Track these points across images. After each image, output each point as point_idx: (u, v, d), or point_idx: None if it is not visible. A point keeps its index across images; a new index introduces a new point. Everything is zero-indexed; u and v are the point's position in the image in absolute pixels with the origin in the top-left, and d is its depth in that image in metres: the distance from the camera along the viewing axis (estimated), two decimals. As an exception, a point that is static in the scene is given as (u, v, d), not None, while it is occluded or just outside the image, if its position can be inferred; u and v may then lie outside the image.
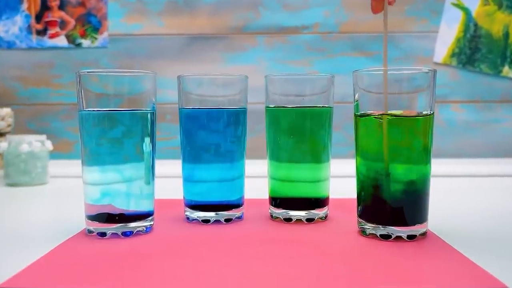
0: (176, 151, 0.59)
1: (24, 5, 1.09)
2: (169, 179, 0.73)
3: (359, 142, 0.48)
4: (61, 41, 1.10)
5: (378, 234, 0.46)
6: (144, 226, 0.49)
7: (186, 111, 0.54)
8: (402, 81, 0.46)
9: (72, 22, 1.09)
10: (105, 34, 1.09)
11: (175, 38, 1.10)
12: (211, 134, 0.52)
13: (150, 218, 0.50)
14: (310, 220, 0.53)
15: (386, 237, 0.46)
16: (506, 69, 1.08)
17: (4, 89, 1.11)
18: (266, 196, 0.57)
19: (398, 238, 0.45)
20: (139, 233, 0.48)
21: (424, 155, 0.46)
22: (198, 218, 0.53)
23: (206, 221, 0.53)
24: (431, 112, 0.46)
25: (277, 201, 0.55)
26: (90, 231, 0.48)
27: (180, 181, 0.56)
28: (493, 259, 0.40)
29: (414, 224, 0.46)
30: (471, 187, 0.82)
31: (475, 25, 1.07)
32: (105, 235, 0.47)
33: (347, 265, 0.39)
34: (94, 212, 0.47)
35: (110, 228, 0.47)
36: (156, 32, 1.10)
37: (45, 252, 0.42)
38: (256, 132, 0.96)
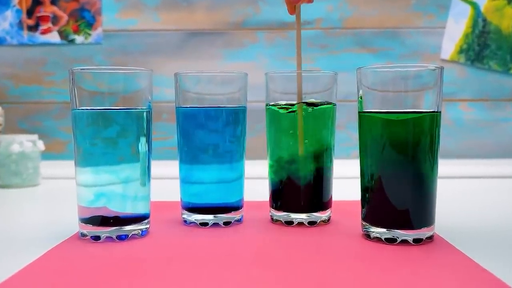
0: (173, 152, 0.59)
1: (15, 0, 1.09)
2: (166, 181, 0.73)
3: (364, 142, 0.48)
4: (54, 37, 1.10)
5: (383, 237, 0.46)
6: (140, 229, 0.49)
7: (183, 110, 0.54)
8: (408, 79, 0.46)
9: (64, 17, 1.09)
10: (99, 30, 1.09)
11: (172, 34, 1.10)
12: (209, 133, 0.52)
13: (146, 221, 0.50)
14: (312, 223, 0.53)
15: (391, 240, 0.46)
16: (516, 66, 1.08)
17: (-6, 87, 1.11)
18: (266, 198, 0.57)
19: (404, 241, 0.45)
20: (134, 236, 0.48)
21: (431, 155, 0.46)
22: (195, 221, 0.53)
23: (204, 224, 0.53)
24: (438, 111, 0.46)
25: (278, 203, 0.55)
26: (83, 235, 0.48)
27: (177, 183, 0.56)
28: (503, 263, 0.40)
29: (420, 227, 0.46)
30: (479, 189, 0.82)
31: (484, 20, 1.07)
32: (99, 239, 0.47)
33: (350, 270, 0.39)
34: (87, 214, 0.47)
35: (104, 231, 0.47)
36: (152, 28, 1.10)
37: (36, 256, 0.42)
38: (256, 132, 0.96)
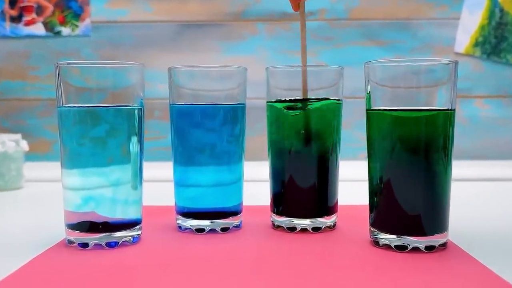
0: (167, 152, 0.59)
1: (-3, -11, 1.09)
2: (159, 184, 0.73)
3: (372, 141, 0.48)
4: (38, 29, 1.10)
5: (392, 245, 0.46)
6: (131, 235, 0.49)
7: (177, 107, 0.54)
8: (420, 74, 0.46)
9: (50, 7, 1.09)
10: (87, 21, 1.09)
11: (165, 25, 1.10)
12: (205, 133, 0.52)
13: (137, 227, 0.50)
14: (316, 229, 0.53)
15: (401, 248, 0.46)
16: (535, 60, 1.08)
17: (-26, 82, 1.11)
18: (267, 202, 0.57)
19: (415, 249, 0.45)
20: (125, 243, 0.48)
21: (444, 156, 0.46)
22: (191, 227, 0.53)
23: (200, 230, 0.53)
24: (452, 108, 0.46)
25: (280, 208, 0.55)
26: (70, 242, 0.48)
27: (171, 186, 0.56)
28: (522, 273, 0.40)
29: (433, 234, 0.46)
30: (496, 192, 0.82)
31: (501, 11, 1.07)
32: (87, 246, 0.47)
33: (358, 279, 0.39)
34: (75, 220, 0.47)
35: (93, 238, 0.47)
36: (144, 19, 1.10)
37: (19, 265, 0.42)
38: (256, 131, 0.96)
